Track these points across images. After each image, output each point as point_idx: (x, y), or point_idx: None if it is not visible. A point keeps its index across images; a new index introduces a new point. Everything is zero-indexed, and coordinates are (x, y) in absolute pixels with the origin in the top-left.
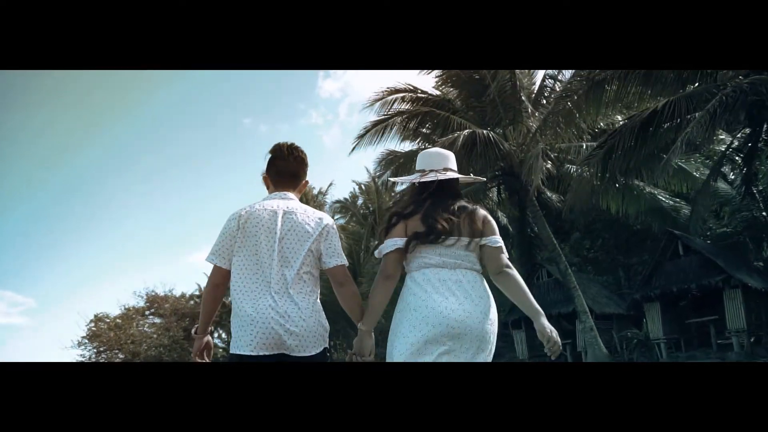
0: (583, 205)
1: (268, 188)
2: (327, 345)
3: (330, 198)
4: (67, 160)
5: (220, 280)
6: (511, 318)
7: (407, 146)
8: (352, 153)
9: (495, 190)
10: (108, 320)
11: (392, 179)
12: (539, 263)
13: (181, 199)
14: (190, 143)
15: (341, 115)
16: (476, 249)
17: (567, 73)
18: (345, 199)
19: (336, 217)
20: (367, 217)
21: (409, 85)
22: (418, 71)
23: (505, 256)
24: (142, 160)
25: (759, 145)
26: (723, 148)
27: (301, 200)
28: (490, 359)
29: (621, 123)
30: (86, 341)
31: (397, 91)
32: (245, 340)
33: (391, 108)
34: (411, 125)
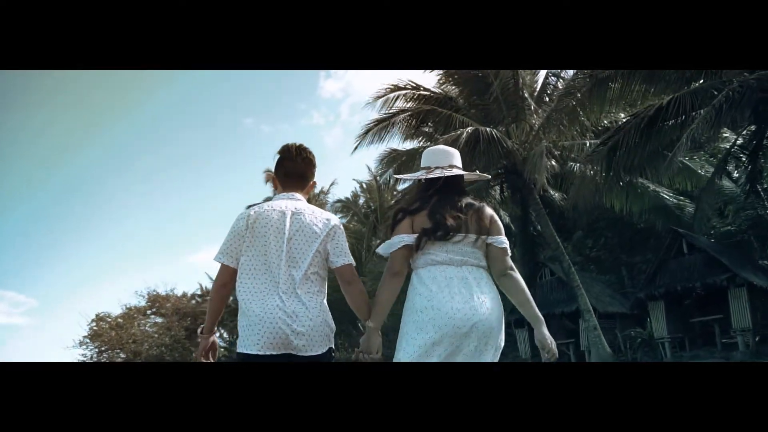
0: (586, 203)
1: (275, 188)
2: (332, 345)
3: (332, 197)
4: (67, 160)
5: (227, 279)
6: (514, 317)
7: (409, 145)
8: (354, 152)
9: (498, 188)
10: (109, 320)
11: (397, 176)
12: (542, 262)
13: (181, 199)
14: (190, 143)
15: (343, 115)
16: (483, 246)
17: (570, 71)
18: (346, 198)
19: (337, 216)
20: (368, 216)
21: (411, 82)
22: (420, 71)
23: (509, 258)
24: (142, 160)
25: (764, 142)
26: (727, 145)
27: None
28: (498, 354)
29: (625, 120)
30: (88, 341)
31: (399, 88)
32: (252, 340)
33: (393, 106)
34: (413, 123)
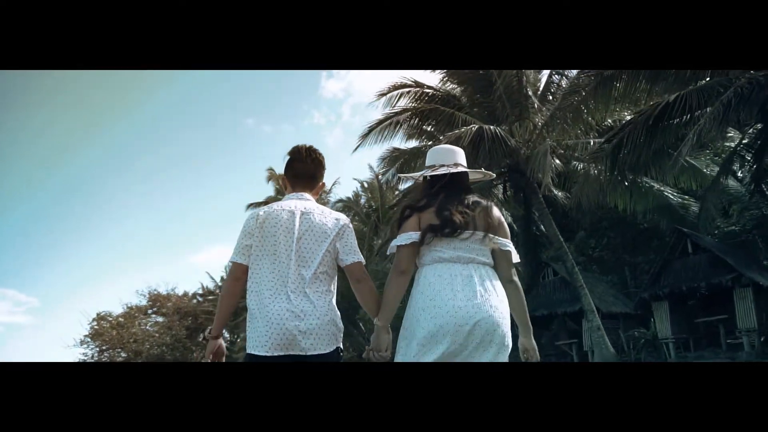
0: (590, 202)
1: (285, 189)
2: (340, 345)
3: (333, 197)
4: (67, 160)
5: (240, 274)
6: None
7: (411, 144)
8: (355, 151)
9: (500, 187)
10: (110, 319)
11: (401, 175)
12: (545, 262)
13: (182, 199)
14: (190, 143)
15: (344, 115)
16: (490, 244)
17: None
18: (347, 198)
19: None
20: (370, 216)
21: (414, 80)
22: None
23: (512, 265)
24: (142, 160)
25: None
26: (732, 145)
27: None
28: (504, 354)
29: (629, 118)
30: (89, 340)
31: (402, 86)
32: (260, 341)
33: (396, 104)
34: (415, 123)
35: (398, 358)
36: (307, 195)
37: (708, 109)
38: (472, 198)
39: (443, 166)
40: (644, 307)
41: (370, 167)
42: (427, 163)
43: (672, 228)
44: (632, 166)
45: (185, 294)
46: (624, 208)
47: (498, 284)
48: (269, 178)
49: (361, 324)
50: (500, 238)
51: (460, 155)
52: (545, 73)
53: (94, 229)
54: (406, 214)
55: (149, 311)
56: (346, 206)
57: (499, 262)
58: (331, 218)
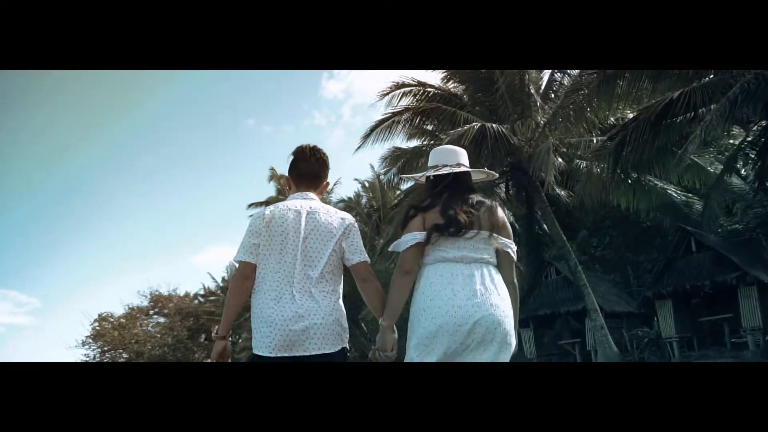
0: (593, 200)
1: (289, 189)
2: (346, 345)
3: (335, 197)
4: (67, 160)
5: (248, 273)
6: (519, 317)
7: (413, 143)
8: (357, 151)
9: (503, 186)
10: (112, 320)
11: (404, 176)
12: (547, 261)
13: (182, 199)
14: (190, 143)
15: (345, 116)
16: (495, 243)
17: None
18: (348, 198)
19: None
20: (371, 216)
21: (415, 80)
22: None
23: (513, 268)
24: (142, 160)
25: None
26: (735, 142)
27: None
28: (506, 353)
29: (633, 116)
30: (90, 341)
31: (404, 85)
32: (264, 342)
33: (398, 103)
34: (417, 122)
35: (407, 359)
36: (311, 194)
37: (712, 107)
38: (476, 197)
39: (446, 166)
40: (648, 306)
41: (371, 167)
42: (430, 163)
43: (675, 226)
44: (635, 164)
45: (186, 294)
46: (627, 207)
47: (500, 283)
48: (270, 178)
49: (363, 324)
50: (504, 239)
51: (462, 155)
52: (547, 71)
53: (95, 229)
54: (411, 213)
55: (151, 312)
56: (347, 206)
57: (501, 262)
58: (336, 217)
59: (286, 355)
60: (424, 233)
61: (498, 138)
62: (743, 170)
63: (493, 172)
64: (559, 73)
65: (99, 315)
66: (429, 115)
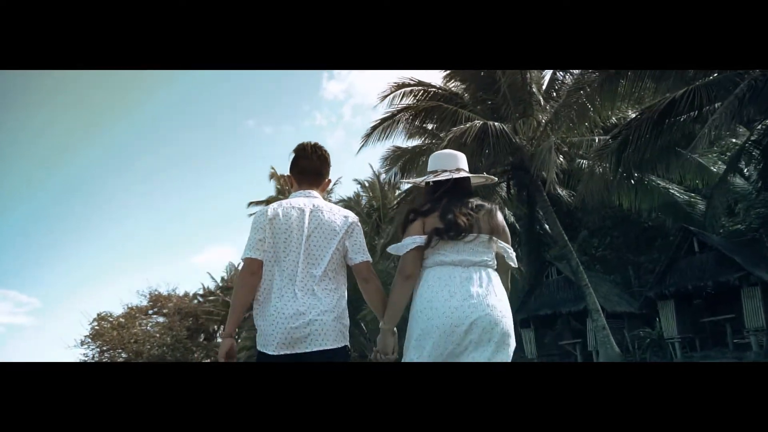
0: (594, 200)
1: (291, 187)
2: (347, 343)
3: (335, 197)
4: (67, 160)
5: (255, 268)
6: (520, 317)
7: (413, 143)
8: (359, 152)
9: (504, 185)
10: (111, 319)
11: (404, 181)
12: (548, 261)
13: (182, 199)
14: (190, 143)
15: (345, 116)
16: (495, 247)
17: None
18: (348, 197)
19: None
20: (371, 215)
21: (415, 80)
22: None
23: (509, 272)
24: (142, 160)
25: None
26: (739, 141)
27: None
28: (504, 352)
29: (635, 115)
30: (89, 340)
31: (404, 85)
32: (268, 340)
33: (399, 103)
34: (418, 121)
35: (404, 360)
36: (314, 192)
37: (717, 105)
38: (476, 201)
39: (445, 171)
40: (650, 307)
41: (371, 167)
42: (429, 167)
43: (678, 226)
44: (638, 163)
45: (186, 294)
46: (629, 207)
47: (498, 284)
48: (271, 177)
49: (362, 324)
50: (503, 243)
51: (462, 160)
52: (549, 70)
53: (94, 229)
54: (411, 218)
55: (150, 312)
56: (347, 206)
57: (498, 267)
58: (339, 215)
59: (288, 352)
60: (424, 237)
61: (500, 136)
62: (746, 170)
63: (492, 177)
64: (561, 72)
65: (98, 315)
66: (430, 114)
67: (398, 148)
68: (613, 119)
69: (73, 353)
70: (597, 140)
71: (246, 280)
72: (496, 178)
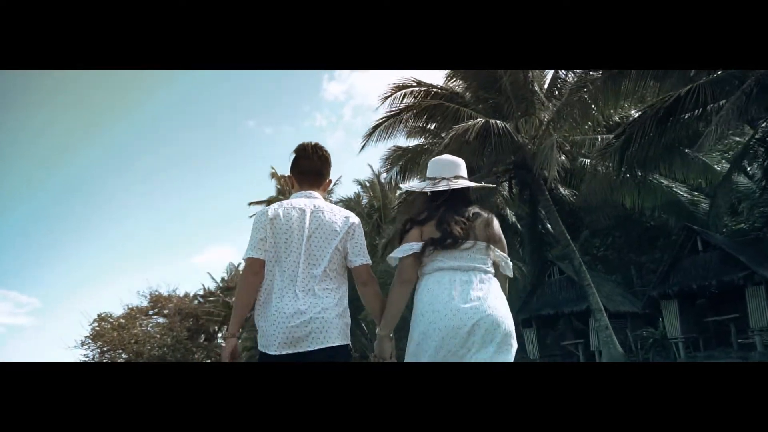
0: (597, 199)
1: (291, 187)
2: (349, 342)
3: (335, 197)
4: (67, 160)
5: (258, 268)
6: (521, 317)
7: (415, 142)
8: (361, 151)
9: (506, 184)
10: (111, 320)
11: (403, 186)
12: (550, 260)
13: (182, 199)
14: (190, 143)
15: (346, 117)
16: (492, 255)
17: None
18: (348, 197)
19: None
20: (371, 215)
21: (416, 80)
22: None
23: (507, 280)
24: (142, 160)
25: None
26: (743, 140)
27: None
28: (507, 352)
29: (639, 114)
30: (89, 341)
31: (405, 86)
32: (269, 340)
33: (401, 103)
34: (420, 121)
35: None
36: (315, 193)
37: (721, 102)
38: (473, 210)
39: (444, 179)
40: (653, 306)
41: (370, 167)
42: (428, 173)
43: (681, 225)
44: (641, 161)
45: (186, 295)
46: (632, 206)
47: (497, 288)
48: (272, 176)
49: (363, 324)
50: (500, 252)
51: (461, 167)
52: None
53: (94, 229)
54: (408, 227)
55: (150, 312)
56: (347, 206)
57: (496, 275)
58: (340, 216)
59: (290, 352)
60: (420, 244)
61: (502, 135)
62: (749, 168)
63: (489, 185)
64: (563, 71)
65: (98, 315)
66: (432, 113)
67: (399, 147)
68: (616, 118)
69: (73, 354)
70: (599, 139)
71: (248, 280)
72: (495, 186)
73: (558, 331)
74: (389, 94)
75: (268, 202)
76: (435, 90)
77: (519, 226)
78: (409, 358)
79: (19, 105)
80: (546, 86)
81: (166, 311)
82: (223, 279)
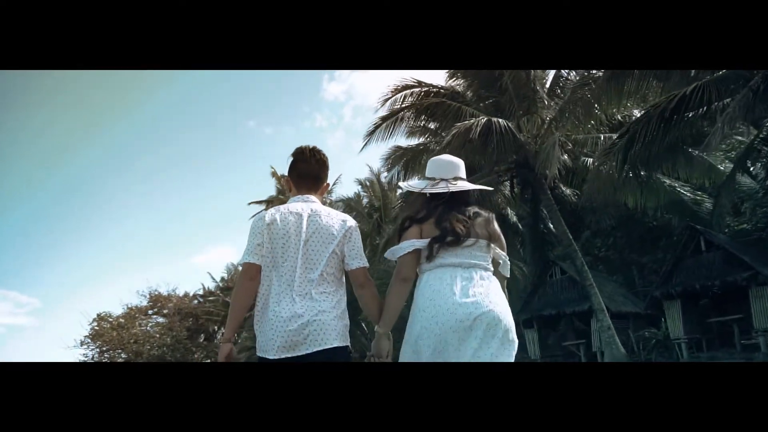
0: (600, 198)
1: (289, 190)
2: (348, 343)
3: (334, 196)
4: (67, 160)
5: (254, 274)
6: (523, 317)
7: (415, 141)
8: (362, 151)
9: (508, 183)
10: (111, 320)
11: (402, 185)
12: (552, 260)
13: (182, 199)
14: (190, 143)
15: (346, 117)
16: (492, 253)
17: None
18: (349, 197)
19: None
20: (372, 215)
21: (416, 80)
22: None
23: (505, 279)
24: (142, 160)
25: None
26: (746, 140)
27: None
28: (509, 348)
29: (641, 114)
30: (89, 341)
31: (405, 87)
32: (267, 345)
33: (403, 103)
34: (420, 120)
35: (401, 358)
36: (312, 197)
37: (726, 101)
38: (473, 209)
39: (443, 180)
40: (655, 307)
41: (369, 168)
42: (427, 173)
43: (684, 225)
44: (645, 160)
45: (186, 295)
46: (635, 205)
47: (497, 285)
48: (273, 175)
49: (363, 324)
50: (500, 252)
51: (460, 168)
52: None
53: (94, 229)
54: (406, 225)
55: (150, 312)
56: (348, 206)
57: (494, 273)
58: (337, 220)
59: (289, 355)
60: (421, 241)
61: (504, 133)
62: (752, 168)
63: (488, 188)
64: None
65: (98, 315)
66: (433, 111)
67: (400, 147)
68: (618, 117)
69: (73, 353)
70: (602, 138)
71: (245, 285)
72: (492, 188)
73: (559, 332)
74: (389, 95)
75: (268, 202)
76: (436, 89)
77: (520, 226)
78: (407, 354)
79: (19, 105)
80: (548, 85)
81: (165, 311)
82: (222, 279)
